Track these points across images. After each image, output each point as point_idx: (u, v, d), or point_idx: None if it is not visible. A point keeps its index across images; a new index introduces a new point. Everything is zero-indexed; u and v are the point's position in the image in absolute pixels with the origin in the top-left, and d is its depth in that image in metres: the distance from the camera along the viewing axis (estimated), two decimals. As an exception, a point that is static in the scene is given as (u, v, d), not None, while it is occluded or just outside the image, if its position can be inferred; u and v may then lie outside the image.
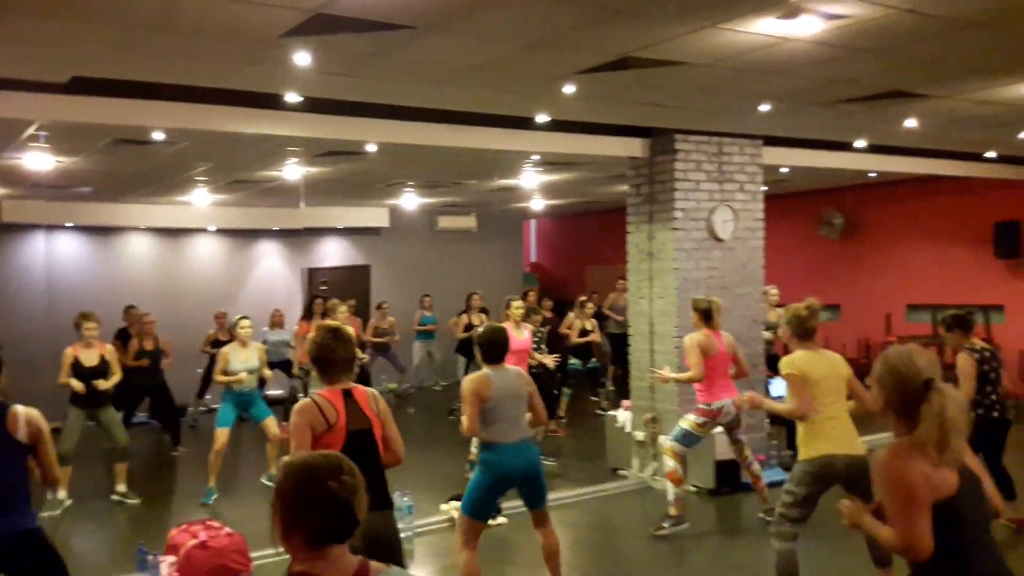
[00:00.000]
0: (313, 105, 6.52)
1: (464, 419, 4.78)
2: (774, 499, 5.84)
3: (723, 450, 7.39)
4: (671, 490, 6.47)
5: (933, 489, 2.60)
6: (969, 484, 2.68)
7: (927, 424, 2.62)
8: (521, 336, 8.19)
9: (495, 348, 4.90)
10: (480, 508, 4.89)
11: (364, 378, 11.59)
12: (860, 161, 9.81)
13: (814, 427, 4.69)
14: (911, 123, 8.00)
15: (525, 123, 7.41)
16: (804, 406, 4.68)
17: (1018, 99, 7.10)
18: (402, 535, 6.13)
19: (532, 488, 4.95)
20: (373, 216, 14.55)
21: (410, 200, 13.31)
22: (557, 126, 7.63)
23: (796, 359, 4.80)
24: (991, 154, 10.47)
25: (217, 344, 10.16)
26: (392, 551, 3.65)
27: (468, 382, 4.81)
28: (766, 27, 4.87)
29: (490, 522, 6.73)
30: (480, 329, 5.19)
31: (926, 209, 12.77)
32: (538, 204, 14.59)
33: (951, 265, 12.49)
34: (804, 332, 4.87)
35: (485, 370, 4.87)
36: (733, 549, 6.40)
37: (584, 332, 11.34)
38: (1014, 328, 11.74)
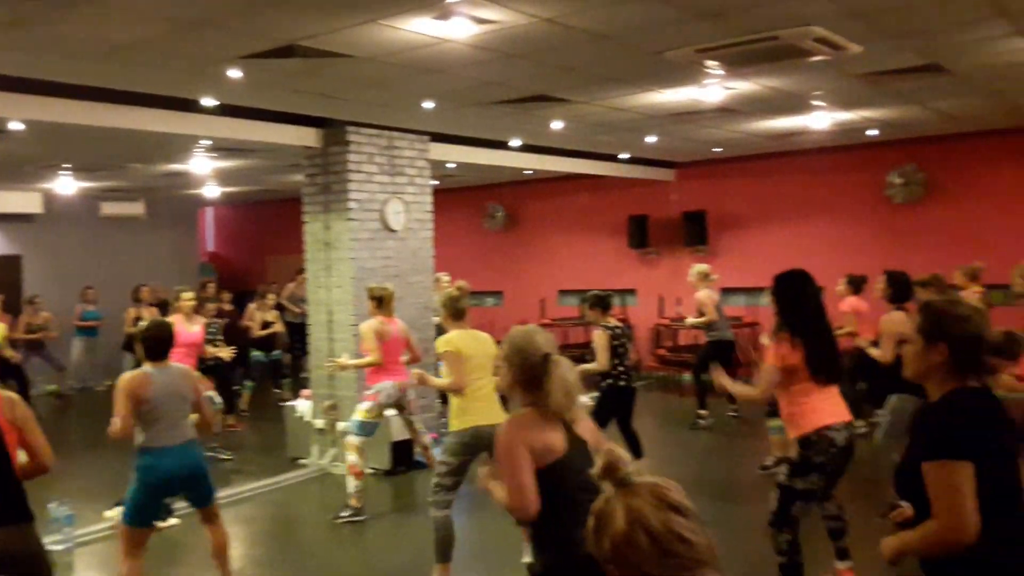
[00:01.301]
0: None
1: (116, 420, 4.28)
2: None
3: (398, 431, 7.48)
4: (352, 483, 6.40)
5: (542, 454, 2.76)
6: (576, 447, 2.84)
7: (555, 392, 2.80)
8: (192, 329, 7.67)
9: (158, 344, 4.50)
10: (141, 516, 4.45)
11: (21, 379, 10.31)
12: (516, 159, 10.36)
13: (465, 401, 4.90)
14: (557, 125, 8.62)
15: (190, 105, 6.91)
16: (461, 380, 4.88)
17: (644, 107, 7.92)
18: (60, 547, 5.54)
19: (197, 490, 4.60)
20: (23, 201, 12.72)
21: (67, 184, 11.85)
22: (227, 111, 7.22)
23: (452, 338, 5.03)
24: (624, 155, 11.60)
25: None
26: (31, 567, 3.21)
27: (124, 380, 4.34)
28: (423, 27, 4.96)
29: (162, 524, 6.24)
30: (142, 323, 4.76)
31: (573, 204, 13.85)
32: (213, 191, 13.77)
33: (594, 254, 13.68)
34: (457, 313, 5.13)
35: (146, 367, 4.47)
36: (409, 526, 6.47)
37: (266, 324, 10.92)
38: (644, 309, 13.16)
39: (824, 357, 4.34)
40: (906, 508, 2.46)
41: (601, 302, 6.66)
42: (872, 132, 10.10)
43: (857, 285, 8.32)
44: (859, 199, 11.33)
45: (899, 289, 6.47)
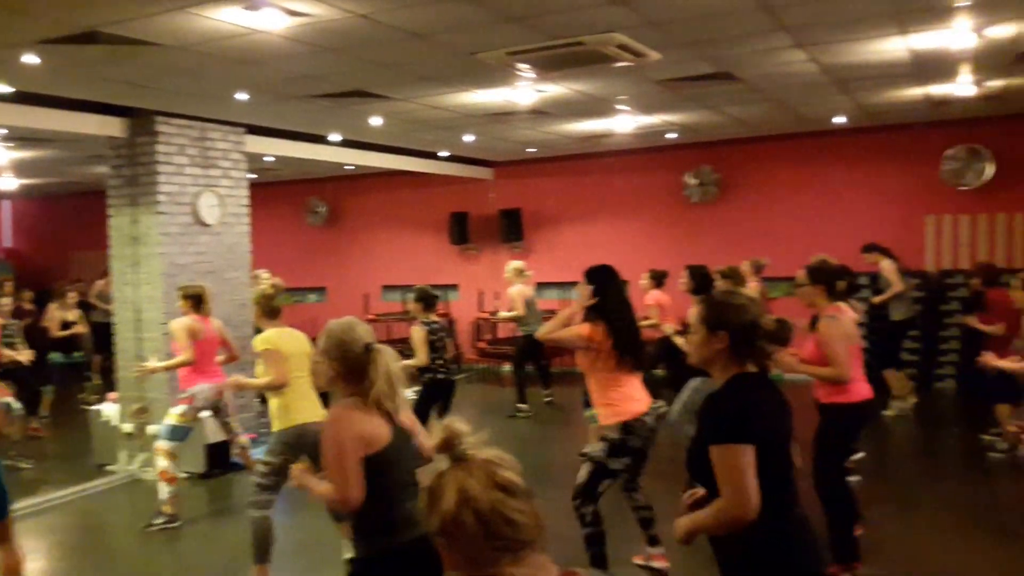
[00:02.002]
0: None
1: None
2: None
3: (212, 433, 7.16)
4: (164, 489, 6.06)
5: (366, 444, 2.74)
6: (399, 437, 2.85)
7: (379, 381, 2.78)
8: (-19, 331, 7.04)
9: None
10: None
11: None
12: (337, 154, 10.18)
13: (287, 400, 4.80)
14: (376, 121, 8.56)
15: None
16: (282, 377, 4.76)
17: (460, 106, 8.02)
18: None
19: None
20: None
21: None
22: (23, 98, 6.67)
23: (270, 335, 4.91)
24: (444, 153, 11.68)
25: None
26: None
27: None
28: (234, 16, 4.79)
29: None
30: None
31: (395, 200, 13.80)
32: (10, 183, 12.60)
33: (417, 250, 13.70)
34: (272, 311, 5.01)
35: None
36: (226, 529, 6.22)
37: (67, 324, 10.13)
38: (466, 303, 13.33)
39: (630, 345, 4.59)
40: (698, 489, 2.62)
41: (425, 298, 6.69)
42: (671, 135, 10.72)
43: (659, 279, 8.81)
44: (661, 198, 12.00)
45: (700, 282, 6.93)
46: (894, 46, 6.29)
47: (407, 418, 2.96)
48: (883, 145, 10.72)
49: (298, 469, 3.06)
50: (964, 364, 9.15)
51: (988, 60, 6.85)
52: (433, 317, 6.70)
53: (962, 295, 9.96)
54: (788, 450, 2.62)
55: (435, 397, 6.71)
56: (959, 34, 5.92)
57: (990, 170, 10.14)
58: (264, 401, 8.02)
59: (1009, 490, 5.97)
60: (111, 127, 7.49)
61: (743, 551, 2.50)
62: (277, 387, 4.82)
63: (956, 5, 5.31)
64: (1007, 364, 5.08)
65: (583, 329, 4.54)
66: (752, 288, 8.11)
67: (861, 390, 4.73)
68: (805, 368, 4.61)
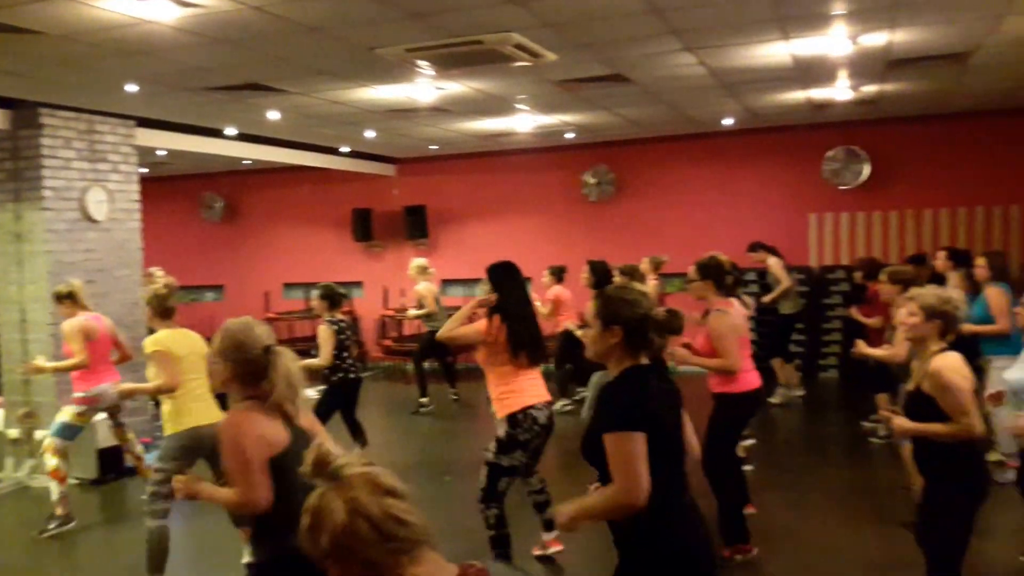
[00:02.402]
0: None
1: None
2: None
3: (105, 437, 6.88)
4: (55, 488, 5.79)
5: (268, 446, 2.70)
6: (298, 439, 2.79)
7: (279, 383, 2.73)
8: None
9: None
10: None
11: None
12: (233, 148, 9.89)
13: (179, 402, 4.66)
14: (274, 115, 8.36)
15: None
16: (173, 379, 4.63)
17: (360, 102, 7.93)
18: None
19: None
20: None
21: None
22: None
23: (161, 337, 4.74)
24: (345, 149, 11.52)
25: None
26: None
27: None
28: (122, 6, 4.61)
29: None
30: None
31: (296, 196, 13.52)
32: None
33: (319, 247, 13.46)
34: (165, 311, 4.84)
35: None
36: (120, 535, 5.98)
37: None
38: (370, 300, 13.18)
39: (527, 340, 4.64)
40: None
41: (330, 296, 6.57)
42: (569, 135, 10.89)
43: (559, 275, 8.95)
44: (560, 196, 12.18)
45: (600, 277, 7.09)
46: (777, 51, 6.55)
47: (307, 419, 2.93)
48: (769, 146, 11.16)
49: (181, 480, 2.96)
50: (846, 355, 9.63)
51: (863, 66, 7.22)
52: (339, 315, 6.60)
53: (843, 289, 10.50)
54: (679, 438, 2.70)
55: (341, 397, 6.60)
56: (836, 41, 6.22)
57: (867, 171, 10.70)
58: (158, 404, 7.76)
59: (888, 474, 6.31)
60: (-9, 118, 7.10)
61: (636, 535, 2.57)
62: (167, 391, 4.68)
63: (833, 13, 5.58)
64: (877, 352, 5.37)
65: (480, 325, 4.57)
66: (650, 285, 8.33)
67: (750, 380, 4.92)
68: (697, 360, 4.77)
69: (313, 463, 1.54)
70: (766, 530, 5.24)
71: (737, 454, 5.27)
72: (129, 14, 4.76)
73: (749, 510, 5.22)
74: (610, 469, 2.52)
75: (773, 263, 9.09)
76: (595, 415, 2.69)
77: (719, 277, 4.94)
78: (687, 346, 4.82)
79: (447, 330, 4.65)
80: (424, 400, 9.42)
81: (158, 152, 9.70)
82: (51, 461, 5.84)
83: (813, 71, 7.37)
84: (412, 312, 9.71)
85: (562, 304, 8.76)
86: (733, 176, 11.38)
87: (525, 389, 4.58)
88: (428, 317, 9.40)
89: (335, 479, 1.52)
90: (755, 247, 9.28)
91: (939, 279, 7.35)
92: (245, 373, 2.78)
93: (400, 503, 1.50)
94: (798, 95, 8.66)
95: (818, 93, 8.52)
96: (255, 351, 2.77)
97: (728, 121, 10.28)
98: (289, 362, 2.78)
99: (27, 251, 7.27)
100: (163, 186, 13.04)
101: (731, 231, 10.79)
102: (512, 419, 4.51)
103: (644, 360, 2.67)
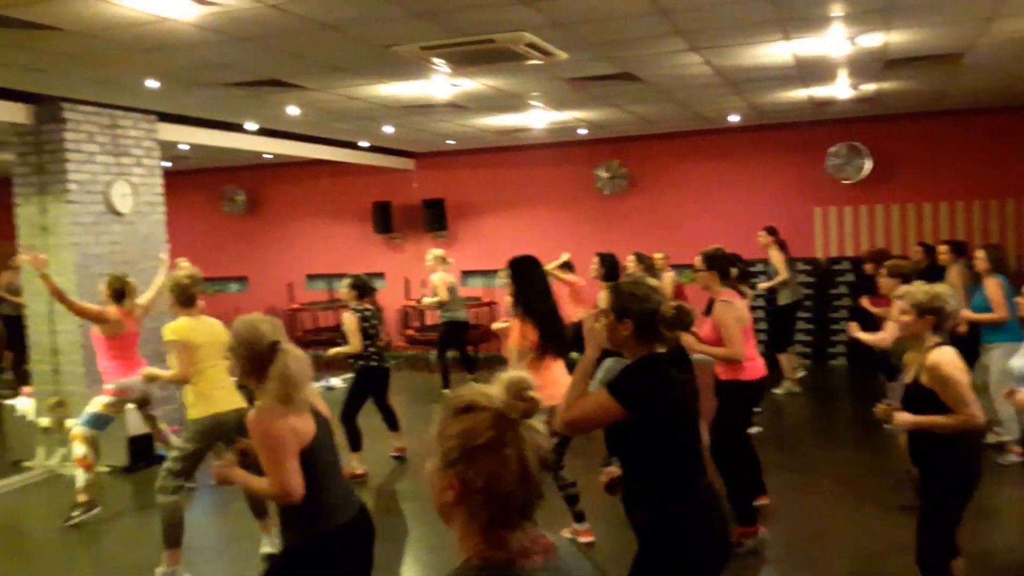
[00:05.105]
0: None
1: None
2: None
3: (136, 426, 6.86)
4: (81, 476, 5.75)
5: (299, 437, 2.70)
6: (322, 426, 2.83)
7: (273, 381, 2.70)
8: None
9: None
10: None
11: None
12: (254, 143, 9.82)
13: (201, 388, 4.63)
14: (293, 111, 8.30)
15: None
16: (186, 370, 4.60)
17: (378, 98, 7.84)
18: None
19: None
20: None
21: None
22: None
23: (178, 326, 4.69)
24: (364, 144, 11.45)
25: None
26: None
27: None
28: (141, 3, 4.53)
29: None
30: None
31: (317, 189, 13.46)
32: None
33: (340, 239, 13.42)
34: (187, 299, 4.79)
35: None
36: (149, 523, 5.88)
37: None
38: (392, 291, 13.13)
39: (553, 334, 4.62)
40: (615, 468, 2.67)
41: (360, 286, 6.52)
42: (582, 131, 10.80)
43: (568, 267, 8.85)
44: (574, 190, 12.08)
45: (609, 269, 7.03)
46: (779, 51, 6.46)
47: (321, 404, 2.92)
48: (774, 142, 11.06)
49: (218, 466, 2.94)
50: (852, 342, 9.54)
51: (861, 66, 7.14)
52: (365, 304, 6.54)
53: (849, 279, 10.40)
54: (696, 425, 2.70)
55: (370, 384, 6.58)
56: (835, 41, 6.15)
57: (868, 166, 10.58)
58: (184, 390, 7.77)
59: (895, 459, 6.22)
60: (14, 113, 7.00)
61: (655, 520, 2.56)
62: (181, 382, 4.64)
63: (831, 15, 5.49)
64: (867, 336, 5.31)
65: (515, 337, 4.55)
66: (666, 277, 8.32)
67: (756, 368, 4.89)
68: (704, 348, 4.73)
69: (512, 384, 1.39)
70: (777, 514, 5.19)
71: (748, 439, 5.21)
72: (149, 11, 4.69)
73: (762, 501, 5.15)
74: (577, 403, 2.66)
75: (774, 255, 9.00)
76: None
77: (724, 268, 4.92)
78: (693, 334, 4.77)
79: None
80: (446, 391, 9.38)
81: (180, 146, 9.65)
82: (79, 449, 5.79)
83: (814, 70, 7.29)
84: (426, 301, 9.66)
85: (578, 294, 8.66)
86: (741, 171, 11.27)
87: (557, 381, 4.55)
88: (443, 307, 9.34)
89: (522, 412, 1.37)
90: (770, 231, 9.11)
91: (940, 271, 7.31)
92: (255, 368, 2.78)
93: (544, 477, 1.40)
94: (800, 93, 8.55)
95: (819, 91, 8.43)
96: (261, 347, 2.76)
97: (734, 118, 10.16)
98: (290, 360, 2.74)
99: (53, 244, 7.21)
100: (185, 180, 13.02)
101: (739, 224, 10.68)
102: (553, 410, 4.47)
103: (660, 349, 2.68)
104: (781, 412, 8.32)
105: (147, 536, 5.65)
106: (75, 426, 5.90)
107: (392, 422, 6.92)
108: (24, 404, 7.40)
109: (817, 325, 10.67)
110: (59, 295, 5.83)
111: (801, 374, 9.32)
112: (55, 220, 7.19)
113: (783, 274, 8.90)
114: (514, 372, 1.42)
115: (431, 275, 9.42)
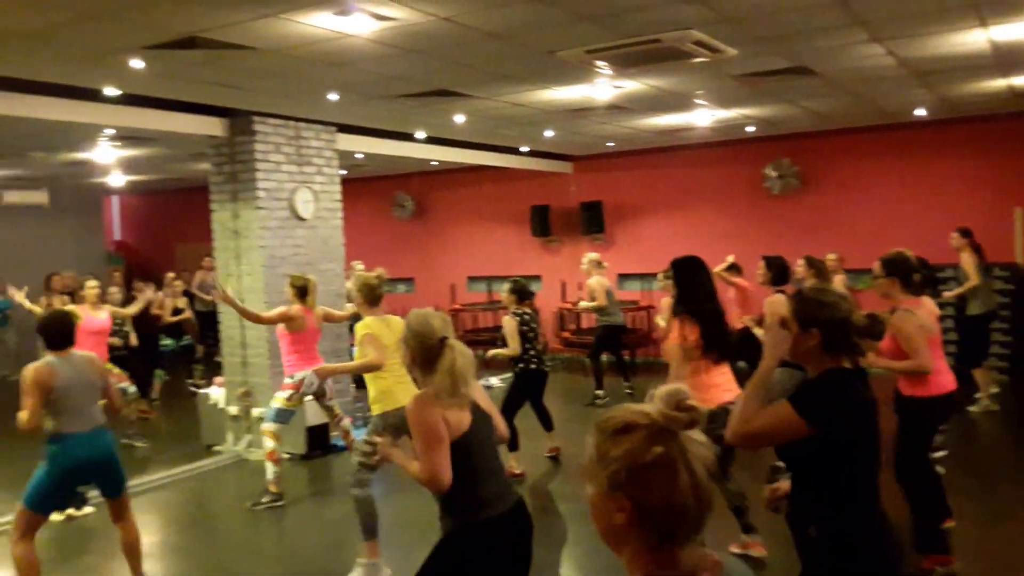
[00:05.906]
0: None
1: (23, 413, 4.11)
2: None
3: (313, 416, 7.37)
4: (270, 469, 6.23)
5: (451, 428, 2.81)
6: (480, 420, 2.93)
7: (441, 375, 2.83)
8: (99, 317, 7.42)
9: (58, 334, 4.32)
10: (43, 502, 4.27)
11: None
12: (422, 151, 10.30)
13: (386, 384, 4.79)
14: (459, 119, 8.62)
15: (93, 94, 6.62)
16: (381, 357, 4.72)
17: (540, 103, 8.00)
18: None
19: (107, 477, 4.43)
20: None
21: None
22: (131, 100, 6.94)
23: (369, 322, 4.90)
24: (525, 148, 11.69)
25: None
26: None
27: (28, 372, 4.16)
28: (324, 21, 4.90)
29: (76, 513, 6.04)
30: (42, 314, 4.56)
31: (479, 194, 13.87)
32: (118, 180, 13.23)
33: (499, 242, 13.75)
34: (374, 299, 4.99)
35: (48, 358, 4.28)
36: (327, 509, 6.35)
37: (176, 311, 10.58)
38: (548, 294, 13.31)
39: (717, 337, 4.52)
40: (782, 484, 2.58)
41: (519, 291, 6.68)
42: (750, 128, 10.47)
43: (737, 270, 8.62)
44: (740, 190, 11.73)
45: (777, 273, 6.76)
46: (974, 38, 6.01)
47: (483, 398, 3.02)
48: (967, 137, 10.24)
49: (380, 442, 3.13)
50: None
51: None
52: (525, 308, 6.70)
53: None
54: (877, 447, 2.55)
55: (527, 386, 6.73)
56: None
57: (1083, 160, 9.57)
58: (360, 386, 8.24)
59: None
60: (211, 127, 7.74)
61: (826, 545, 2.46)
62: (375, 368, 4.78)
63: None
64: None
65: (674, 338, 4.51)
66: (837, 281, 7.89)
67: (944, 382, 4.56)
68: (884, 363, 4.45)
69: (671, 396, 1.39)
70: (960, 544, 4.81)
71: (932, 461, 4.87)
72: (331, 28, 5.05)
73: (949, 524, 4.81)
74: (754, 417, 2.51)
75: (965, 258, 8.32)
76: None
77: (906, 274, 4.59)
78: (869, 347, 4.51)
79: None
80: (600, 392, 9.40)
81: (356, 155, 10.25)
82: (268, 443, 6.25)
83: (1014, 58, 6.71)
84: (583, 304, 9.72)
85: (744, 298, 8.40)
86: (926, 169, 10.52)
87: (720, 384, 4.48)
88: (600, 311, 9.36)
89: (685, 424, 1.37)
90: (964, 232, 8.45)
91: None
92: (422, 360, 2.92)
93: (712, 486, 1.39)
94: (999, 83, 7.88)
95: (1021, 80, 7.72)
96: (431, 340, 2.89)
97: (921, 112, 9.51)
98: (457, 356, 2.86)
99: (244, 246, 7.90)
100: (359, 186, 13.79)
101: (922, 226, 9.99)
102: (711, 415, 4.40)
103: (846, 364, 2.54)
104: (975, 432, 7.71)
105: (325, 521, 6.08)
106: (265, 422, 6.35)
107: (547, 423, 7.08)
108: (216, 393, 8.13)
109: (1015, 337, 9.76)
110: (244, 313, 6.41)
111: (994, 390, 8.57)
112: (246, 224, 7.86)
113: (974, 279, 8.23)
114: (669, 385, 1.41)
115: (588, 279, 9.47)
